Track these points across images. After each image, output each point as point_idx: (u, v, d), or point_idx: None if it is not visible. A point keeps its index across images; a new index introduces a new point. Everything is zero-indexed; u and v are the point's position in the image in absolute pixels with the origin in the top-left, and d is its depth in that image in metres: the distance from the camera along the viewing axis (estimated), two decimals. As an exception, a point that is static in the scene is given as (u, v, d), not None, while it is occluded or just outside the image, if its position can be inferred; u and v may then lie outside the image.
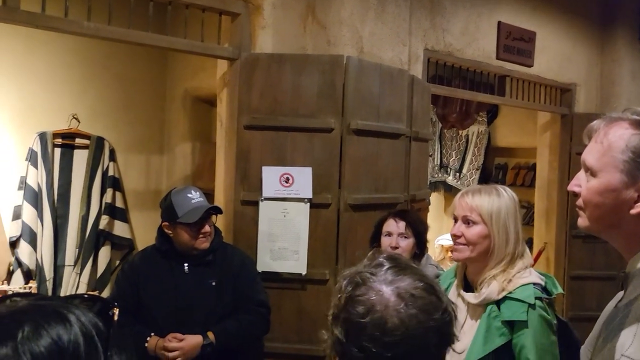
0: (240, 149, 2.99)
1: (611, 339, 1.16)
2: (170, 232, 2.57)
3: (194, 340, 2.44)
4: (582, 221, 1.29)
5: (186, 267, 2.57)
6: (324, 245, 2.98)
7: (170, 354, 2.40)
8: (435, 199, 6.78)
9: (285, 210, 2.94)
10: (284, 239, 2.94)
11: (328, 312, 1.07)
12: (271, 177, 2.93)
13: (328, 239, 2.98)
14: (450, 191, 6.70)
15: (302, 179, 2.92)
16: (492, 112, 6.55)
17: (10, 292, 3.65)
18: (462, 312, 1.83)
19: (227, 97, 3.13)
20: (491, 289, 1.77)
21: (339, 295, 1.02)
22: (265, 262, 2.94)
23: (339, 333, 0.98)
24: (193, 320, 2.51)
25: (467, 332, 1.80)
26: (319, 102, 2.95)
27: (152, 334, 2.47)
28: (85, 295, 0.74)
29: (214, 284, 2.58)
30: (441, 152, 6.70)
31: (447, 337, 1.00)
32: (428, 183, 6.56)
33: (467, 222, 1.83)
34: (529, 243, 5.23)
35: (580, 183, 1.27)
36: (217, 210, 2.59)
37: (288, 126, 2.94)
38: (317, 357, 2.83)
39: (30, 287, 3.76)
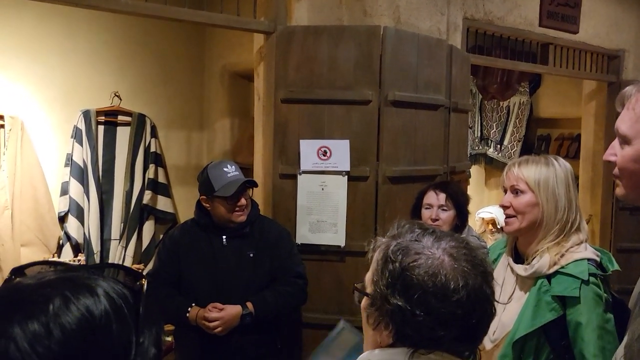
0: (277, 122, 3.00)
1: None
2: (207, 205, 2.61)
3: (233, 310, 2.49)
4: (620, 190, 1.27)
5: (224, 239, 2.62)
6: (363, 218, 2.98)
7: (211, 324, 2.46)
8: (476, 172, 6.69)
9: (323, 183, 2.95)
10: (322, 212, 2.96)
11: (372, 286, 1.07)
12: (309, 151, 2.93)
13: (366, 211, 2.98)
14: (491, 164, 6.60)
15: (340, 152, 2.92)
16: (535, 82, 6.38)
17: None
18: (511, 283, 1.83)
19: (264, 71, 3.13)
20: (542, 262, 1.73)
21: (390, 266, 1.03)
22: (304, 235, 2.97)
23: (399, 301, 0.99)
24: (231, 290, 2.56)
25: (515, 303, 1.78)
26: (355, 74, 2.93)
27: (193, 304, 2.54)
28: (113, 266, 0.75)
29: (251, 255, 2.62)
30: (482, 124, 6.58)
31: (493, 288, 1.04)
32: (468, 155, 6.51)
33: (515, 191, 1.82)
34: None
35: (615, 152, 1.25)
36: (253, 184, 2.62)
37: (325, 99, 2.94)
38: (355, 328, 2.86)
39: (79, 260, 3.91)
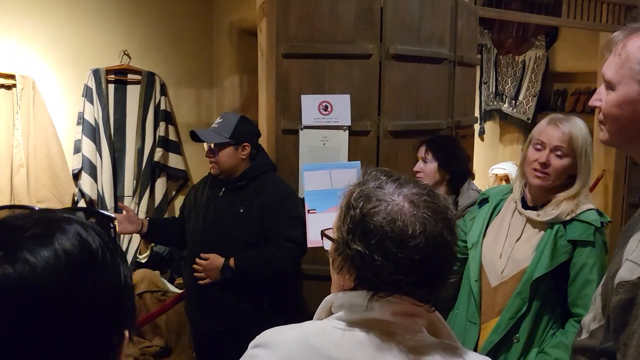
0: (279, 78, 3.02)
1: (622, 245, 1.18)
2: None
3: (216, 261, 2.54)
4: (603, 135, 1.29)
5: (222, 192, 2.67)
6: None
7: (197, 274, 2.56)
8: (490, 128, 6.64)
9: (324, 138, 2.98)
10: (324, 166, 2.99)
11: (336, 232, 1.11)
12: (310, 106, 2.95)
13: (368, 165, 3.00)
14: (505, 119, 6.53)
15: (341, 107, 2.93)
16: (551, 36, 6.24)
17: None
18: (518, 227, 1.98)
19: (266, 27, 3.13)
20: (562, 210, 1.89)
21: (351, 212, 1.05)
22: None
23: (359, 246, 1.02)
24: (217, 242, 2.59)
25: (524, 244, 1.95)
26: (356, 27, 2.92)
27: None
28: (84, 210, 0.80)
29: (241, 210, 2.61)
30: (496, 79, 6.50)
31: (455, 235, 1.06)
32: (482, 111, 6.45)
33: (558, 152, 1.90)
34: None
35: (601, 97, 1.26)
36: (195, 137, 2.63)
37: (326, 53, 2.93)
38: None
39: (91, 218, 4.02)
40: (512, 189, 2.09)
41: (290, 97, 3.01)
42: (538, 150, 1.93)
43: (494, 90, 6.48)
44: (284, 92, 3.02)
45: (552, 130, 1.91)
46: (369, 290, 1.02)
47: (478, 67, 5.72)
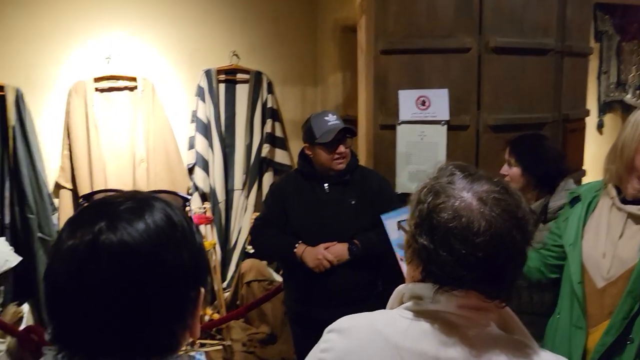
0: (377, 74, 3.05)
1: None
2: (310, 153, 2.75)
3: (339, 244, 2.66)
4: None
5: (326, 187, 2.75)
6: (463, 168, 2.96)
7: (323, 256, 2.64)
8: (611, 120, 6.21)
9: (422, 132, 2.97)
10: (421, 161, 2.99)
11: (408, 225, 1.14)
12: (407, 101, 2.96)
13: (467, 160, 2.93)
14: (627, 111, 6.08)
15: (439, 101, 2.91)
16: (683, 19, 5.72)
17: (190, 212, 4.20)
18: (618, 223, 1.88)
19: (365, 24, 3.17)
20: None
21: (419, 206, 1.08)
22: (403, 184, 3.02)
23: (424, 240, 1.04)
24: (335, 236, 2.68)
25: (628, 241, 1.85)
26: (455, 21, 2.88)
27: (300, 242, 2.71)
28: (166, 192, 0.94)
29: (353, 202, 2.72)
30: (618, 68, 6.06)
31: (528, 235, 1.05)
32: (601, 103, 6.05)
33: None
34: None
35: None
36: (350, 132, 2.70)
37: (423, 48, 2.92)
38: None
39: (205, 208, 4.29)
40: (604, 185, 1.98)
41: (388, 92, 3.03)
42: None
43: (615, 80, 6.05)
44: (382, 87, 3.05)
45: None
46: (435, 283, 1.04)
47: (595, 56, 5.38)
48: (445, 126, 2.93)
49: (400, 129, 3.00)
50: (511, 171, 2.49)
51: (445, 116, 2.91)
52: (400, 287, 1.15)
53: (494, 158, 2.93)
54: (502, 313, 1.08)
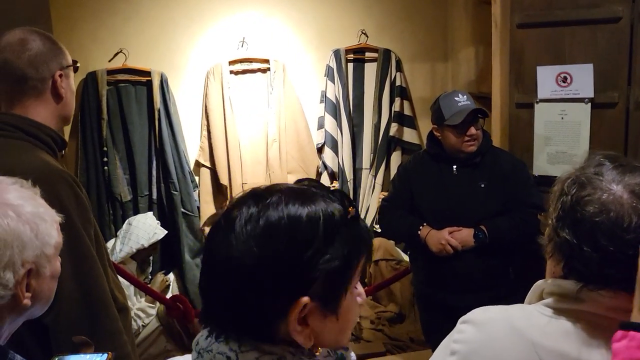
0: (513, 49, 2.89)
1: None
2: (439, 134, 2.68)
3: (466, 230, 2.59)
4: None
5: (455, 169, 2.67)
6: (610, 148, 2.68)
7: (447, 240, 2.58)
8: None
9: (562, 111, 2.78)
10: (561, 143, 2.80)
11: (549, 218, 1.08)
12: (547, 77, 2.77)
13: (615, 141, 2.73)
14: None
15: (582, 77, 2.69)
16: None
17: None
18: None
19: (500, -4, 3.01)
20: None
21: (562, 198, 1.02)
22: (541, 167, 2.86)
23: (567, 235, 0.99)
24: (461, 220, 2.62)
25: None
26: (603, -12, 2.64)
27: (425, 224, 2.68)
28: (331, 191, 0.91)
29: (482, 185, 2.63)
30: None
31: None
32: None
33: None
34: None
35: None
36: (482, 113, 2.59)
37: (566, 20, 2.71)
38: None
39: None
40: None
41: (525, 69, 2.87)
42: None
43: None
44: (518, 64, 2.89)
45: None
46: (578, 280, 0.98)
47: None
48: (590, 104, 2.71)
49: (538, 107, 2.83)
50: None
51: (590, 93, 2.70)
52: (540, 282, 1.09)
53: (646, 139, 2.68)
54: None
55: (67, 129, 4.03)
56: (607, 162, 1.02)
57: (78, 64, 1.77)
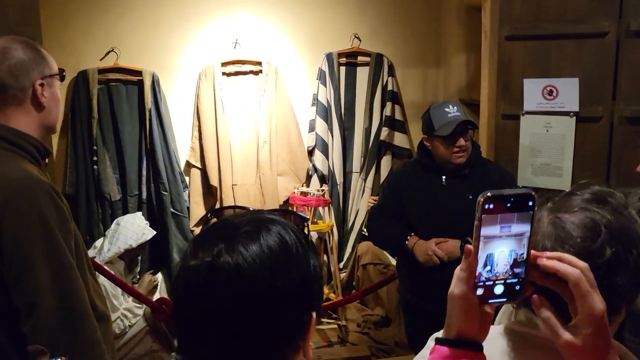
0: (501, 61, 2.90)
1: None
2: (429, 144, 2.70)
3: (452, 240, 2.60)
4: None
5: (444, 180, 2.68)
6: (593, 162, 2.77)
7: (434, 252, 2.60)
8: None
9: (548, 124, 2.80)
10: (546, 155, 2.83)
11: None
12: (533, 90, 2.80)
13: (598, 155, 2.76)
14: None
15: (568, 91, 2.72)
16: None
17: (309, 193, 4.31)
18: None
19: (490, 7, 3.01)
20: None
21: (622, 211, 0.95)
22: (527, 178, 2.88)
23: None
24: (449, 231, 2.62)
25: None
26: (590, 3, 2.66)
27: (412, 234, 2.69)
28: (284, 211, 0.97)
29: (470, 197, 2.63)
30: None
31: None
32: None
33: None
34: None
35: None
36: (472, 125, 2.61)
37: (553, 34, 2.74)
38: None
39: (323, 190, 4.37)
40: None
41: (512, 81, 2.89)
42: None
43: None
44: (506, 75, 2.90)
45: None
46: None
47: None
48: (575, 118, 2.74)
49: (524, 119, 2.86)
50: None
51: (575, 107, 2.72)
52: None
53: (630, 153, 2.71)
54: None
55: (57, 127, 4.03)
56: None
57: (65, 73, 1.78)
